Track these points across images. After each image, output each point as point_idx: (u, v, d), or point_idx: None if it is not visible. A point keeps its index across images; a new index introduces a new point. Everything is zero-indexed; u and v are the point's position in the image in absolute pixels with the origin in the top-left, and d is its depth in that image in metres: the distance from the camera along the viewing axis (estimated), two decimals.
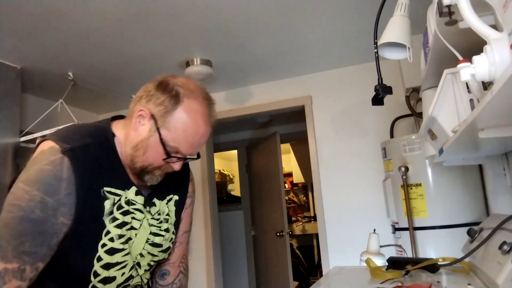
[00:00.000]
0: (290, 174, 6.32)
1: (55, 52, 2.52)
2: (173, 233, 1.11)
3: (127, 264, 0.98)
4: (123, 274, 0.98)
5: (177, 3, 2.07)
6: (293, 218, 6.25)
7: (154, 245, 1.05)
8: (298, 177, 6.12)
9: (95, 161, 0.93)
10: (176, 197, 1.13)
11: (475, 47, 0.78)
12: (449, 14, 0.84)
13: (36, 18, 2.11)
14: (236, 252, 5.00)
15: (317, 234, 3.37)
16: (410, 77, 2.52)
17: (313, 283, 1.27)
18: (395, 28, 1.34)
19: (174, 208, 1.12)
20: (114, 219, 0.95)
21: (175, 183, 1.13)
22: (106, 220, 0.94)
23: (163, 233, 1.07)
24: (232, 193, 6.23)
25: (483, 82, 0.88)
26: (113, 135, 0.99)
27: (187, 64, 2.81)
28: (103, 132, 0.99)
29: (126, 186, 0.99)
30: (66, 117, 2.82)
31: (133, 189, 1.00)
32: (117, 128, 1.01)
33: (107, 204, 0.94)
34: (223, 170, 6.66)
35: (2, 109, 2.54)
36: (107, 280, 0.96)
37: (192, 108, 0.93)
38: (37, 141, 0.97)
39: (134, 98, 1.00)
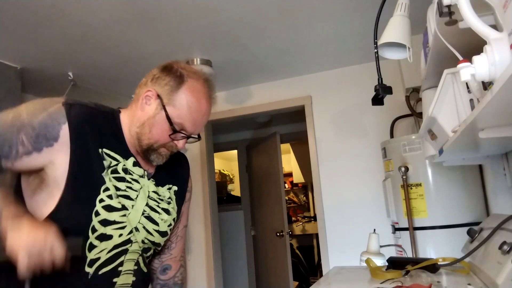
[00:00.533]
0: (290, 174, 6.32)
1: (55, 52, 2.52)
2: (173, 219, 1.13)
3: (125, 226, 1.00)
4: (120, 235, 0.99)
5: (177, 4, 2.07)
6: (293, 218, 6.25)
7: (150, 219, 1.06)
8: (298, 177, 6.12)
9: (95, 123, 1.00)
10: (175, 188, 1.16)
11: (475, 47, 0.78)
12: (449, 14, 0.84)
13: (36, 18, 2.11)
14: (236, 252, 5.00)
15: (317, 234, 3.37)
16: (410, 77, 2.53)
17: (313, 283, 1.27)
18: (395, 28, 1.34)
19: (174, 197, 1.15)
20: (109, 179, 0.98)
21: (174, 174, 1.18)
22: (106, 177, 0.97)
23: (160, 210, 1.09)
24: (232, 193, 6.24)
25: (483, 82, 0.88)
26: (119, 112, 1.08)
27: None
28: (109, 109, 1.08)
29: (124, 155, 1.03)
30: None
31: (131, 159, 1.04)
32: (123, 112, 1.09)
33: (105, 164, 0.99)
34: (223, 170, 6.66)
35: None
36: (103, 237, 0.97)
37: (195, 87, 1.02)
38: None
39: (140, 84, 1.08)
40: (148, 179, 1.08)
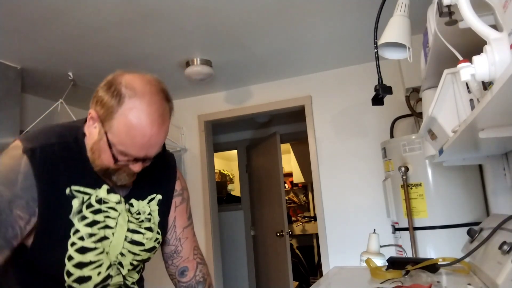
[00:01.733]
0: (290, 174, 6.32)
1: (55, 52, 2.52)
2: (157, 233, 1.09)
3: (102, 263, 0.97)
4: (99, 273, 0.96)
5: (177, 3, 2.07)
6: (293, 218, 6.25)
7: (134, 243, 1.03)
8: (298, 177, 6.12)
9: (59, 161, 0.92)
10: (159, 197, 1.10)
11: (475, 47, 0.78)
12: (449, 14, 0.84)
13: (36, 18, 2.11)
14: (236, 252, 5.00)
15: (317, 234, 3.37)
16: (410, 77, 2.53)
17: (313, 283, 1.27)
18: (395, 28, 1.34)
19: (156, 208, 1.09)
20: (84, 217, 0.94)
21: (158, 183, 1.11)
22: (75, 219, 0.93)
23: (143, 231, 1.04)
24: (232, 193, 6.24)
25: (483, 82, 0.88)
26: (84, 135, 0.97)
27: (187, 64, 2.81)
28: (74, 132, 0.98)
29: (96, 185, 0.97)
30: (66, 117, 2.82)
31: (104, 187, 0.98)
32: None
33: (75, 203, 0.93)
34: (223, 170, 6.66)
35: (2, 109, 2.54)
36: (82, 280, 0.94)
37: (136, 108, 0.87)
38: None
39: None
40: (121, 204, 1.02)
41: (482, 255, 1.10)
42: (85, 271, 0.94)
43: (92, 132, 0.93)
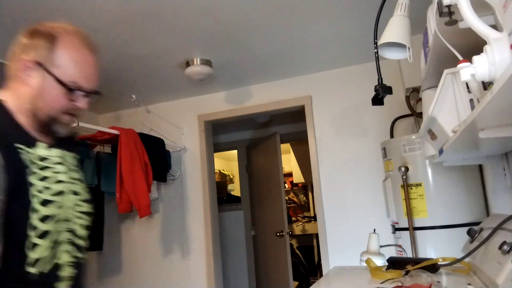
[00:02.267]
0: (290, 174, 6.33)
1: None
2: (87, 186, 1.10)
3: (56, 217, 0.95)
4: (57, 229, 0.96)
5: (177, 4, 2.07)
6: (293, 218, 6.25)
7: (75, 193, 1.03)
8: (298, 177, 6.12)
9: None
10: (78, 156, 1.14)
11: (475, 47, 0.78)
12: (449, 14, 0.84)
13: (36, 18, 2.10)
14: (236, 252, 5.00)
15: (317, 234, 3.37)
16: (410, 77, 2.53)
17: (313, 283, 1.27)
18: (395, 28, 1.34)
19: (79, 165, 1.12)
20: (33, 172, 0.93)
21: (69, 143, 1.13)
22: (26, 174, 0.91)
23: (76, 181, 1.05)
24: (232, 193, 6.24)
25: (483, 82, 0.88)
26: (1, 101, 0.97)
27: (187, 64, 2.81)
28: None
29: (31, 143, 0.96)
30: None
31: (41, 145, 0.97)
32: (5, 99, 0.98)
33: (23, 158, 0.92)
34: (223, 170, 6.66)
35: None
36: (43, 235, 0.92)
37: (71, 40, 0.97)
38: None
39: (9, 60, 0.99)
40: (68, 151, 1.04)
41: (482, 255, 1.10)
42: (48, 225, 0.92)
43: (29, 82, 0.95)
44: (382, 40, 1.36)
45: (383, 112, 2.93)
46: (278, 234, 3.88)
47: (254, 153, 4.71)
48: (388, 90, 1.36)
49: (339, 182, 3.10)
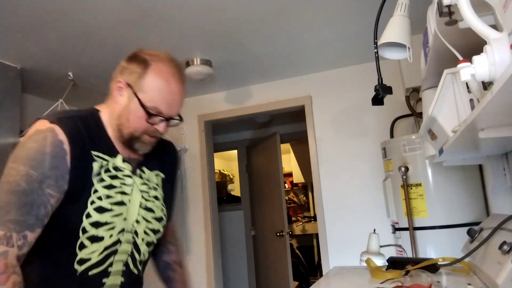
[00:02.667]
0: (290, 174, 6.32)
1: (55, 52, 2.52)
2: (162, 205, 1.16)
3: (115, 226, 1.02)
4: (111, 236, 1.01)
5: (177, 4, 2.07)
6: (293, 218, 6.25)
7: (147, 209, 1.10)
8: (298, 177, 6.12)
9: (81, 129, 1.02)
10: (162, 175, 1.20)
11: (475, 47, 0.78)
12: (449, 14, 0.84)
13: (36, 18, 2.11)
14: (236, 252, 5.00)
15: (317, 234, 3.37)
16: (410, 77, 2.53)
17: (313, 283, 1.27)
18: (395, 28, 1.34)
19: (161, 184, 1.18)
20: (102, 180, 1.01)
21: (163, 162, 1.22)
22: (94, 179, 1.00)
23: (152, 199, 1.12)
24: (232, 193, 6.24)
25: (483, 82, 0.88)
26: (98, 111, 1.10)
27: (187, 64, 2.81)
28: (89, 111, 1.10)
29: (112, 153, 1.06)
30: None
31: (120, 157, 1.07)
32: (101, 108, 1.11)
33: (95, 165, 1.01)
34: (223, 170, 6.66)
35: (2, 109, 2.54)
36: (94, 239, 0.99)
37: (161, 69, 1.05)
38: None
39: (111, 78, 1.11)
40: (136, 174, 1.11)
41: (482, 255, 1.10)
42: (100, 231, 0.99)
43: (119, 101, 1.06)
44: (382, 40, 1.36)
45: (383, 112, 2.93)
46: (278, 234, 3.88)
47: (254, 153, 4.71)
48: (388, 90, 1.36)
49: (339, 182, 3.09)
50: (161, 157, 1.21)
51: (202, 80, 2.89)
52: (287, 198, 6.29)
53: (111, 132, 1.08)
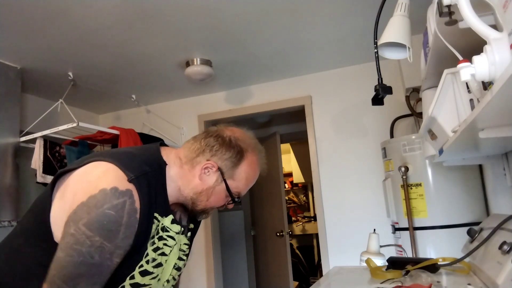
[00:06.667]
0: (290, 174, 6.32)
1: (55, 52, 2.52)
2: (187, 258, 1.18)
3: (151, 287, 1.02)
4: None
5: (177, 4, 2.07)
6: (293, 218, 6.25)
7: (178, 269, 1.11)
8: (298, 177, 6.12)
9: (152, 190, 0.98)
10: (192, 225, 1.20)
11: (475, 47, 0.78)
12: (449, 14, 0.84)
13: (36, 18, 2.11)
14: (236, 252, 5.00)
15: (317, 234, 3.37)
16: (410, 77, 2.53)
17: (313, 283, 1.27)
18: (395, 28, 1.34)
19: (189, 235, 1.19)
20: (153, 243, 1.00)
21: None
22: (149, 242, 0.99)
23: (184, 257, 1.14)
24: None
25: (483, 82, 0.88)
26: (165, 163, 1.05)
27: (187, 64, 2.81)
28: (156, 160, 1.04)
29: (165, 213, 1.03)
30: (66, 117, 2.82)
31: (170, 217, 1.05)
32: (169, 159, 1.07)
33: (153, 228, 0.99)
34: None
35: (2, 109, 2.54)
36: None
37: (253, 161, 1.10)
38: (90, 159, 0.97)
39: (192, 148, 1.07)
40: (184, 234, 1.11)
41: (482, 255, 1.10)
42: None
43: (205, 179, 1.05)
44: (382, 40, 1.36)
45: (383, 112, 2.93)
46: (278, 234, 3.88)
47: None
48: (388, 90, 1.36)
49: (339, 182, 3.09)
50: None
51: (202, 80, 2.89)
52: (287, 198, 6.29)
53: (170, 190, 1.04)
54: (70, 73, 2.83)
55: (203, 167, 1.05)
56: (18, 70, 2.66)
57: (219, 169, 1.05)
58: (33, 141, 2.69)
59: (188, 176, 1.06)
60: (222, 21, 2.30)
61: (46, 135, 2.68)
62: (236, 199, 1.10)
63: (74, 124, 2.60)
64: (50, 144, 2.73)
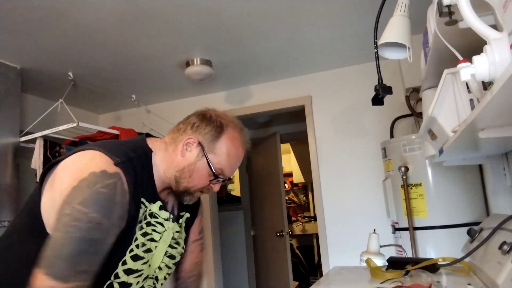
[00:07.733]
0: (290, 174, 6.32)
1: (55, 52, 2.52)
2: (182, 247, 1.18)
3: (143, 273, 1.03)
4: (137, 282, 1.02)
5: (177, 3, 2.07)
6: (293, 218, 6.25)
7: (171, 257, 1.12)
8: (298, 177, 6.12)
9: (138, 175, 0.99)
10: (187, 215, 1.20)
11: (475, 47, 0.78)
12: (449, 14, 0.84)
13: (36, 18, 2.11)
14: (236, 252, 5.00)
15: (317, 234, 3.37)
16: (410, 77, 2.53)
17: (313, 283, 1.27)
18: (395, 28, 1.34)
19: (184, 224, 1.19)
20: (141, 227, 1.01)
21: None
22: (137, 227, 1.00)
23: (176, 245, 1.13)
24: (232, 193, 6.23)
25: (483, 82, 0.88)
26: (151, 151, 1.07)
27: (187, 64, 2.81)
28: (141, 148, 1.06)
29: (153, 199, 1.05)
30: (66, 117, 2.82)
31: (158, 203, 1.06)
32: (155, 146, 1.09)
33: (140, 213, 1.00)
34: None
35: (2, 109, 2.54)
36: (124, 285, 0.99)
37: (234, 135, 1.09)
38: (76, 150, 0.98)
39: (176, 129, 1.11)
40: (173, 221, 1.10)
41: (482, 255, 1.10)
42: (130, 278, 1.00)
43: (186, 155, 1.06)
44: (382, 40, 1.36)
45: (383, 112, 2.93)
46: (278, 234, 3.88)
47: (254, 153, 4.70)
48: (388, 90, 1.36)
49: (339, 182, 3.09)
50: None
51: (202, 80, 2.89)
52: (287, 198, 6.29)
53: (158, 178, 1.06)
54: (70, 73, 2.83)
55: (184, 143, 1.07)
56: (18, 70, 2.66)
57: (200, 143, 1.06)
58: (33, 141, 2.69)
59: (172, 155, 1.08)
60: (222, 21, 2.30)
61: (46, 135, 2.68)
62: (220, 178, 1.08)
63: (74, 124, 2.61)
64: (50, 144, 2.73)
